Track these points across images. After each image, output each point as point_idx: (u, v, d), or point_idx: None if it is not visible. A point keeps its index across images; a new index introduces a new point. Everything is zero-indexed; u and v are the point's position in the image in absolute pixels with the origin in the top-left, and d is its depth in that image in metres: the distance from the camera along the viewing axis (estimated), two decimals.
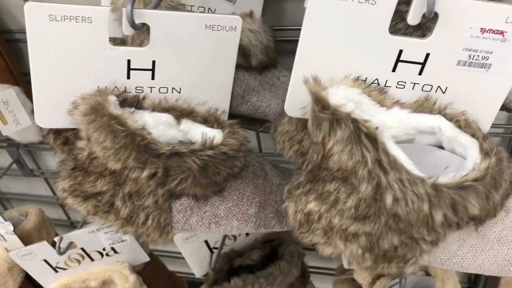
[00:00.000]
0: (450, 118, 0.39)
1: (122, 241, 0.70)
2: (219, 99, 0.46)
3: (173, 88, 0.44)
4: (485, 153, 0.37)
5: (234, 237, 0.75)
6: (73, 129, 0.43)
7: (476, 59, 0.37)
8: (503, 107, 0.50)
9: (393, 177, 0.34)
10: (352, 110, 0.34)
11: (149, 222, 0.41)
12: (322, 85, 0.35)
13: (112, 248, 0.70)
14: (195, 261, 0.72)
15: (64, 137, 0.44)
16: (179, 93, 0.45)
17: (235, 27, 0.42)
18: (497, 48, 0.36)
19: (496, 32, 0.35)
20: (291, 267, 0.73)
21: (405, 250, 0.37)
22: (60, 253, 0.65)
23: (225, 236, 0.71)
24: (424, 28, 0.38)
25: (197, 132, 0.44)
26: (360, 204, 0.35)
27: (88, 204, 0.41)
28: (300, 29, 0.64)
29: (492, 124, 0.42)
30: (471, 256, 0.40)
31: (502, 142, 0.75)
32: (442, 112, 0.39)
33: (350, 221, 0.36)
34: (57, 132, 0.44)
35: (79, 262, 0.70)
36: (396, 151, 0.34)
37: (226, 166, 0.42)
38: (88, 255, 0.69)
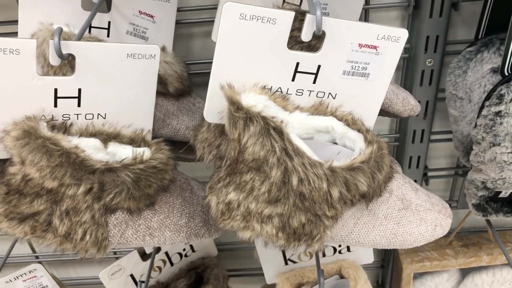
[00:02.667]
0: (340, 118, 0.47)
1: (43, 287, 0.68)
2: (143, 122, 0.49)
3: (98, 114, 0.47)
4: (368, 142, 0.46)
5: (159, 268, 0.77)
6: None
7: (357, 69, 0.45)
8: (384, 112, 0.60)
9: (297, 162, 0.40)
10: (262, 109, 0.40)
11: (87, 237, 0.43)
12: (236, 90, 0.41)
13: None
14: None
15: None
16: (105, 118, 0.48)
17: (154, 55, 0.47)
18: (372, 60, 0.44)
19: (370, 46, 0.43)
20: None
21: (311, 226, 0.43)
22: None
23: (150, 268, 0.72)
24: (315, 48, 0.46)
25: (124, 153, 0.47)
26: (272, 189, 0.41)
27: (25, 225, 0.42)
28: (206, 63, 0.70)
29: (379, 134, 0.50)
30: (365, 232, 0.47)
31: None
32: (333, 114, 0.47)
33: (264, 204, 0.42)
34: None
35: None
36: (298, 141, 0.42)
37: (156, 179, 0.46)
38: None
